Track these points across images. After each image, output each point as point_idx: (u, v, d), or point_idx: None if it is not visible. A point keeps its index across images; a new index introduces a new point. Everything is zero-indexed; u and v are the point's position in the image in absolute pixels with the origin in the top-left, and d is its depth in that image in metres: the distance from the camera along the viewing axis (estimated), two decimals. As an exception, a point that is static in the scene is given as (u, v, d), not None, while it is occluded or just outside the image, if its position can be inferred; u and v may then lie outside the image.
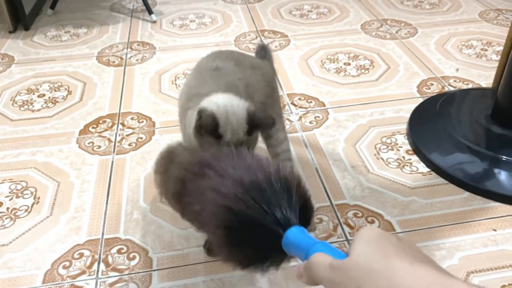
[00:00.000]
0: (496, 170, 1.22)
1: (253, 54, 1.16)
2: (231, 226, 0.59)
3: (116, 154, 1.34)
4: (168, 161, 0.81)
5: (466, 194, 1.17)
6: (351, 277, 0.43)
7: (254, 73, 1.01)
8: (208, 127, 0.79)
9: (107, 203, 1.17)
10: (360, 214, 1.12)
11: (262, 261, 0.59)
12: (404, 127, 1.42)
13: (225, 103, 0.84)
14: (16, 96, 1.64)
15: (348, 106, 1.53)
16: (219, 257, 0.64)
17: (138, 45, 1.99)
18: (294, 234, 0.56)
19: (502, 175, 1.20)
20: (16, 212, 1.15)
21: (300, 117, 1.48)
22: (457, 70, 1.72)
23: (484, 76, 1.68)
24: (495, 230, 1.07)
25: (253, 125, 0.83)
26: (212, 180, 0.65)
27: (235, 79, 0.95)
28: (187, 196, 0.70)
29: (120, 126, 1.46)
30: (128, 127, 1.45)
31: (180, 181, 0.72)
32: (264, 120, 0.84)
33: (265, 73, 1.04)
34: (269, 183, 0.60)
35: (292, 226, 0.57)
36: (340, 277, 0.45)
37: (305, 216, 0.59)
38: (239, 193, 0.59)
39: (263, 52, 1.18)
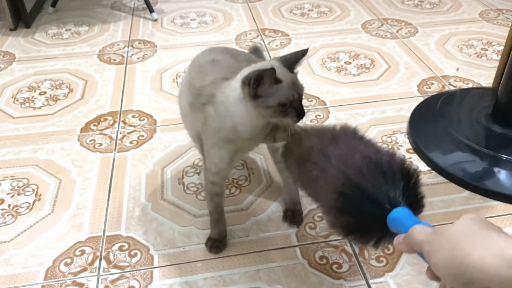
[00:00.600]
0: (496, 169, 1.22)
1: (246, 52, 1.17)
2: (346, 193, 0.65)
3: (118, 152, 1.34)
4: (302, 131, 0.86)
5: (466, 193, 1.18)
6: (449, 239, 0.48)
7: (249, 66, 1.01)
8: (268, 75, 0.79)
9: (108, 200, 1.18)
10: (360, 213, 1.12)
11: (364, 231, 0.65)
12: (404, 126, 1.42)
13: (252, 66, 0.86)
14: (17, 93, 1.64)
15: (349, 105, 1.53)
16: (327, 220, 0.69)
17: (139, 43, 1.99)
18: (401, 212, 0.61)
19: (502, 174, 1.20)
20: (18, 209, 1.16)
21: (301, 116, 1.48)
22: (458, 69, 1.73)
23: (484, 75, 1.68)
24: (495, 228, 1.07)
25: (289, 62, 0.84)
26: (340, 151, 0.71)
27: (233, 69, 0.96)
28: (309, 162, 0.75)
29: (122, 124, 1.46)
30: (130, 125, 1.45)
31: (308, 148, 0.77)
32: (294, 54, 0.86)
33: None
34: (391, 167, 0.65)
35: (400, 206, 0.62)
36: (439, 239, 0.49)
37: (416, 208, 0.64)
38: (362, 166, 0.65)
39: (256, 53, 1.19)
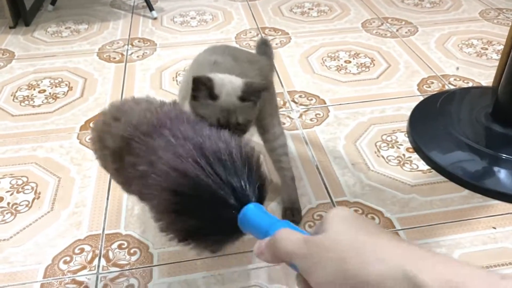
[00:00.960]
0: (495, 169, 1.22)
1: (250, 50, 1.17)
2: (182, 191, 0.54)
3: (117, 150, 1.34)
4: (111, 117, 0.72)
5: (466, 192, 1.18)
6: (332, 251, 0.40)
7: (251, 67, 1.01)
8: (203, 83, 0.78)
9: (108, 198, 1.17)
10: (360, 211, 1.12)
11: (208, 235, 0.54)
12: (404, 125, 1.42)
13: (222, 75, 0.85)
14: (16, 91, 1.64)
15: (348, 103, 1.53)
16: (158, 225, 0.58)
17: (139, 41, 1.99)
18: (253, 210, 0.51)
19: (502, 174, 1.20)
20: (17, 207, 1.16)
21: (301, 115, 1.48)
22: (458, 68, 1.73)
23: (484, 75, 1.68)
24: (494, 228, 1.08)
25: (247, 90, 0.82)
26: (168, 141, 0.60)
27: (234, 73, 0.96)
28: (130, 156, 0.64)
29: (121, 122, 1.46)
30: (129, 123, 1.45)
31: (124, 139, 0.66)
32: (257, 85, 0.84)
33: (261, 67, 1.05)
34: (230, 155, 0.56)
35: (250, 201, 0.52)
36: (318, 252, 0.41)
37: (262, 196, 0.55)
38: (198, 158, 0.54)
39: (264, 47, 1.18)
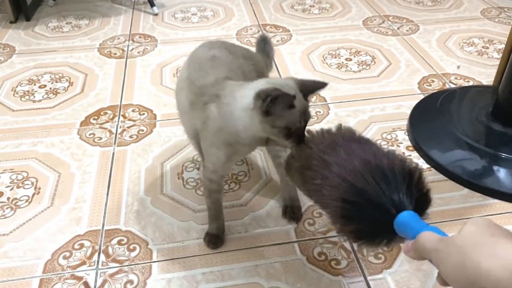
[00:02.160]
0: (495, 168, 1.22)
1: (249, 47, 1.16)
2: (350, 200, 0.65)
3: (117, 146, 1.34)
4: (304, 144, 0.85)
5: (466, 191, 1.18)
6: (457, 247, 0.48)
7: (247, 62, 1.01)
8: (287, 98, 0.79)
9: (107, 194, 1.18)
10: (359, 209, 1.12)
11: (372, 237, 0.65)
12: (404, 123, 1.42)
13: (271, 81, 0.86)
14: (17, 86, 1.64)
15: (349, 101, 1.53)
16: (335, 228, 0.69)
17: (139, 37, 1.99)
18: (407, 216, 0.61)
19: (502, 173, 1.20)
20: (17, 202, 1.16)
21: (301, 112, 1.48)
22: (458, 67, 1.72)
23: (485, 73, 1.68)
24: (493, 227, 1.08)
25: (306, 90, 0.84)
26: (340, 157, 0.71)
27: (233, 66, 0.96)
28: (311, 170, 0.75)
29: (121, 118, 1.46)
30: (129, 119, 1.45)
31: (307, 156, 0.77)
32: (313, 83, 0.87)
33: (256, 63, 1.05)
34: (392, 169, 0.65)
35: (406, 210, 0.62)
36: (447, 248, 0.49)
37: (422, 205, 0.65)
38: (363, 171, 0.65)
39: (263, 44, 1.18)
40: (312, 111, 1.47)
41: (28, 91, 1.61)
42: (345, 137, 0.78)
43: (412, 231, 0.58)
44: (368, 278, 0.96)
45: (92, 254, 1.02)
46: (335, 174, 0.69)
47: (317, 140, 0.81)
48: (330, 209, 0.70)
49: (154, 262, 1.00)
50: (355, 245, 1.03)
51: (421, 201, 0.65)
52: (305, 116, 0.83)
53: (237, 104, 0.84)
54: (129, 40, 1.96)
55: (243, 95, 0.83)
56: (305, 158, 0.78)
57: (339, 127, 0.82)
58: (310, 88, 0.85)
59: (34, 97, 1.58)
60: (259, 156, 1.30)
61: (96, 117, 1.46)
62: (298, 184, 0.85)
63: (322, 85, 0.86)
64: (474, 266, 0.45)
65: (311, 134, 0.85)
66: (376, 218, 0.63)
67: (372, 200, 0.63)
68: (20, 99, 1.57)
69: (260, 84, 0.83)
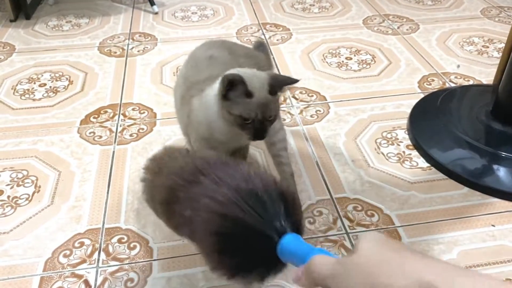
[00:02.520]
0: (495, 167, 1.23)
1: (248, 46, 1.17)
2: (225, 232, 0.58)
3: (117, 145, 1.34)
4: (155, 168, 0.78)
5: (465, 189, 1.18)
6: (360, 269, 0.43)
7: (248, 61, 1.01)
8: (238, 82, 0.79)
9: (108, 192, 1.18)
10: (359, 208, 1.12)
11: (253, 269, 0.59)
12: (404, 122, 1.42)
13: (244, 70, 0.85)
14: (17, 85, 1.64)
15: (349, 100, 1.53)
16: (208, 265, 0.62)
17: (139, 36, 1.98)
18: (291, 240, 0.56)
19: (501, 172, 1.21)
20: (17, 200, 1.16)
21: (301, 111, 1.48)
22: (458, 66, 1.73)
23: (485, 73, 1.68)
24: (493, 225, 1.08)
25: (275, 84, 0.83)
26: (206, 187, 0.64)
27: (230, 66, 0.96)
28: (176, 204, 0.68)
29: (122, 117, 1.46)
30: (129, 118, 1.45)
31: (169, 189, 0.70)
32: (284, 78, 0.85)
33: (258, 62, 1.05)
34: (266, 192, 0.60)
35: (288, 233, 0.57)
36: (348, 271, 0.44)
37: (299, 226, 0.59)
38: (235, 199, 0.59)
39: (260, 49, 1.19)
40: (312, 109, 1.48)
41: (28, 89, 1.61)
42: (209, 162, 0.70)
43: (299, 256, 0.53)
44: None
45: (92, 253, 1.02)
46: (203, 206, 0.61)
47: (178, 167, 0.73)
48: (203, 245, 0.63)
49: (155, 260, 1.00)
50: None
51: (299, 225, 0.60)
52: (264, 109, 0.81)
53: (212, 92, 0.85)
54: (129, 39, 1.96)
55: (218, 83, 0.84)
56: (169, 189, 0.70)
57: (198, 157, 0.74)
58: (279, 82, 0.84)
59: (34, 95, 1.58)
60: (259, 154, 1.30)
61: (96, 116, 1.46)
62: (163, 219, 0.77)
63: (292, 80, 0.85)
64: (386, 287, 0.40)
65: (164, 161, 0.78)
66: (257, 246, 0.57)
67: (249, 228, 0.57)
68: (20, 98, 1.57)
69: (228, 72, 0.83)
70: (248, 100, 0.80)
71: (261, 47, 1.20)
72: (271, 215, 0.57)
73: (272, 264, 0.58)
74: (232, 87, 0.79)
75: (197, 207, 0.63)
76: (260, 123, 0.82)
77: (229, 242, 0.58)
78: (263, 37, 1.95)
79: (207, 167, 0.68)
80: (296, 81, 0.85)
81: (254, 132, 0.82)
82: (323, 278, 0.46)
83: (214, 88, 0.85)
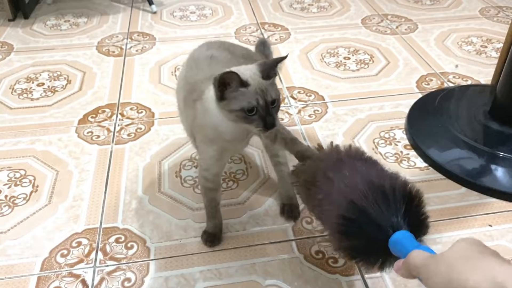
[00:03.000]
0: (493, 166, 1.23)
1: (246, 46, 1.16)
2: (348, 217, 0.66)
3: (115, 144, 1.34)
4: (305, 156, 0.87)
5: (463, 189, 1.18)
6: (447, 262, 0.49)
7: (245, 63, 1.01)
8: (231, 78, 0.77)
9: (105, 192, 1.18)
10: (357, 208, 1.12)
11: (368, 255, 0.67)
12: (402, 122, 1.42)
13: (233, 68, 0.83)
14: (15, 84, 1.64)
15: (347, 100, 1.53)
16: (331, 244, 0.71)
17: (138, 35, 1.98)
18: (401, 235, 0.63)
19: (499, 172, 1.21)
20: (15, 200, 1.16)
21: (299, 111, 1.48)
22: (457, 66, 1.73)
23: (483, 72, 1.68)
24: (491, 225, 1.08)
25: (264, 68, 0.81)
26: (344, 175, 0.72)
27: (230, 66, 0.96)
28: (315, 187, 0.76)
29: (119, 116, 1.46)
30: (127, 117, 1.45)
31: (312, 172, 0.79)
32: (270, 61, 0.83)
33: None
34: (393, 190, 0.67)
35: (402, 230, 0.63)
36: (437, 263, 0.50)
37: (420, 229, 0.66)
38: (365, 190, 0.67)
39: (262, 47, 1.18)
40: (311, 109, 1.48)
41: (26, 89, 1.61)
42: (351, 155, 0.79)
43: (404, 250, 0.60)
44: (366, 276, 0.96)
45: (89, 252, 1.02)
46: (336, 191, 0.71)
47: (324, 156, 0.83)
48: (329, 225, 0.71)
49: (152, 260, 1.00)
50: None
51: (419, 225, 0.67)
52: (264, 94, 0.79)
53: (209, 95, 0.84)
54: (127, 38, 1.95)
55: (204, 96, 0.84)
56: (311, 172, 0.80)
57: (349, 147, 0.83)
58: (268, 65, 0.81)
59: (32, 95, 1.58)
60: (257, 154, 1.30)
61: (94, 115, 1.46)
62: (302, 197, 0.87)
63: (279, 59, 0.83)
64: (461, 280, 0.46)
65: (319, 148, 0.87)
66: (372, 235, 0.65)
67: (370, 218, 0.65)
68: (18, 97, 1.57)
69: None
70: (244, 90, 0.78)
71: (263, 46, 1.19)
72: (392, 211, 0.65)
73: (384, 255, 0.65)
74: (225, 85, 0.78)
75: (330, 190, 0.72)
76: (265, 110, 0.79)
77: (350, 227, 0.66)
78: (261, 36, 1.95)
79: (347, 158, 0.78)
80: (283, 58, 0.83)
81: (263, 122, 0.79)
82: (417, 268, 0.53)
83: (212, 95, 0.83)
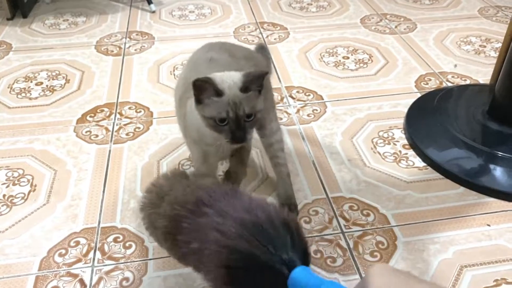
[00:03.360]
0: (491, 166, 1.23)
1: (245, 45, 1.16)
2: (235, 265, 0.59)
3: (114, 144, 1.34)
4: (156, 198, 0.77)
5: (461, 189, 1.18)
6: None
7: (247, 63, 1.01)
8: (205, 83, 0.77)
9: (104, 192, 1.17)
10: (355, 207, 1.12)
11: None
12: (401, 121, 1.42)
13: (220, 73, 0.83)
14: (13, 83, 1.64)
15: (346, 99, 1.53)
16: None
17: (137, 34, 1.98)
18: (301, 273, 0.56)
19: (497, 171, 1.21)
20: (13, 199, 1.15)
21: (298, 110, 1.48)
22: (455, 66, 1.73)
23: (482, 72, 1.68)
24: (489, 225, 1.08)
25: (247, 80, 0.80)
26: (212, 219, 0.64)
27: (231, 69, 0.96)
28: (181, 235, 0.68)
29: (118, 116, 1.45)
30: (126, 117, 1.45)
31: (172, 219, 0.71)
32: (256, 73, 0.81)
33: (257, 63, 1.05)
34: (271, 223, 0.60)
35: (297, 266, 0.57)
36: None
37: (306, 257, 0.60)
38: (243, 233, 0.59)
39: (262, 52, 1.19)
40: (309, 108, 1.48)
41: (24, 88, 1.61)
42: (210, 192, 0.70)
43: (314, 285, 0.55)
44: (364, 275, 0.96)
45: (88, 252, 1.02)
46: (212, 239, 0.62)
47: (180, 197, 0.73)
48: (212, 276, 0.63)
49: (150, 259, 1.00)
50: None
51: (305, 254, 0.60)
52: (237, 107, 0.78)
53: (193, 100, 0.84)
54: (126, 38, 1.95)
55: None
56: (172, 219, 0.71)
57: (203, 187, 0.74)
58: (251, 78, 0.80)
59: (31, 94, 1.58)
60: (256, 154, 1.30)
61: (92, 115, 1.46)
62: (165, 247, 0.77)
63: (261, 73, 0.81)
64: None
65: (165, 188, 0.78)
66: (267, 281, 0.58)
67: (259, 262, 0.57)
68: (17, 96, 1.56)
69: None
70: (217, 99, 0.78)
71: (262, 50, 1.20)
72: (279, 248, 0.58)
73: None
74: (202, 90, 0.78)
75: (204, 240, 0.63)
76: (236, 123, 0.79)
77: (239, 275, 0.59)
78: (260, 36, 1.95)
79: (209, 198, 0.69)
80: (265, 73, 0.82)
81: (232, 134, 0.79)
82: None
83: None
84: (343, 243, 1.03)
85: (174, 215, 0.70)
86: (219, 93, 0.78)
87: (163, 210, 0.74)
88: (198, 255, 0.65)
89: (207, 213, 0.66)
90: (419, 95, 1.54)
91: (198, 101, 0.80)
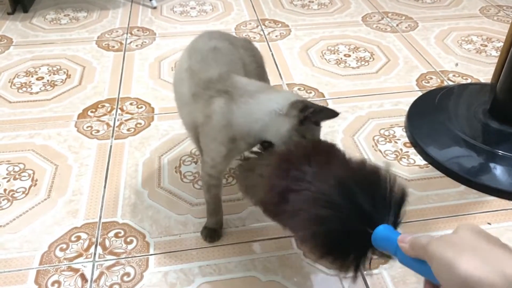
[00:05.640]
0: (492, 165, 1.23)
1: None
2: (325, 217, 0.62)
3: (115, 139, 1.33)
4: (251, 163, 0.84)
5: (462, 187, 1.18)
6: (454, 249, 0.47)
7: (246, 53, 1.01)
8: (326, 115, 0.85)
9: (105, 187, 1.17)
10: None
11: (346, 254, 0.62)
12: (402, 119, 1.42)
13: (289, 93, 0.91)
14: (14, 78, 1.63)
15: (347, 97, 1.53)
16: (311, 253, 0.68)
17: (138, 30, 1.98)
18: (383, 231, 0.59)
19: (498, 170, 1.21)
20: (14, 194, 1.15)
21: (299, 107, 1.48)
22: (457, 64, 1.73)
23: (483, 71, 1.69)
24: (489, 223, 1.08)
25: (319, 116, 0.86)
26: (309, 175, 0.68)
27: (234, 58, 0.95)
28: (273, 191, 0.72)
29: (119, 111, 1.45)
30: (127, 112, 1.45)
31: (276, 164, 0.75)
32: (327, 112, 0.86)
33: (255, 54, 1.05)
34: (376, 183, 0.63)
35: (381, 224, 0.60)
36: (444, 245, 0.49)
37: (396, 217, 0.62)
38: (336, 189, 0.63)
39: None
40: (310, 106, 1.48)
41: (25, 83, 1.61)
42: (315, 146, 0.77)
43: (392, 244, 0.57)
44: (364, 273, 0.96)
45: (89, 247, 1.02)
46: (305, 196, 0.66)
47: (287, 149, 0.78)
48: (300, 225, 0.66)
49: (151, 255, 1.00)
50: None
51: (395, 214, 0.63)
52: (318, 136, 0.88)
53: (260, 106, 0.84)
54: (127, 33, 1.95)
55: (270, 99, 0.84)
56: (276, 166, 0.75)
57: (315, 142, 0.81)
58: (321, 116, 0.86)
59: (32, 89, 1.57)
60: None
61: (93, 110, 1.46)
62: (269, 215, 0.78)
63: (334, 114, 0.86)
64: (468, 269, 0.45)
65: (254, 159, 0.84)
66: (352, 232, 0.61)
67: (357, 205, 0.61)
68: (17, 91, 1.56)
69: (288, 93, 0.90)
70: (316, 127, 0.86)
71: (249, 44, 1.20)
72: (382, 204, 0.61)
73: (364, 250, 0.61)
74: (315, 114, 0.83)
75: (297, 198, 0.67)
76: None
77: (327, 229, 0.62)
78: (261, 33, 1.95)
79: (313, 152, 0.73)
80: (336, 114, 0.86)
81: None
82: (423, 247, 0.51)
83: (267, 105, 0.84)
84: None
85: (279, 161, 0.74)
86: (318, 123, 0.86)
87: (268, 158, 0.79)
88: (293, 213, 0.67)
89: (305, 170, 0.69)
90: (420, 93, 1.54)
91: (302, 123, 0.83)
